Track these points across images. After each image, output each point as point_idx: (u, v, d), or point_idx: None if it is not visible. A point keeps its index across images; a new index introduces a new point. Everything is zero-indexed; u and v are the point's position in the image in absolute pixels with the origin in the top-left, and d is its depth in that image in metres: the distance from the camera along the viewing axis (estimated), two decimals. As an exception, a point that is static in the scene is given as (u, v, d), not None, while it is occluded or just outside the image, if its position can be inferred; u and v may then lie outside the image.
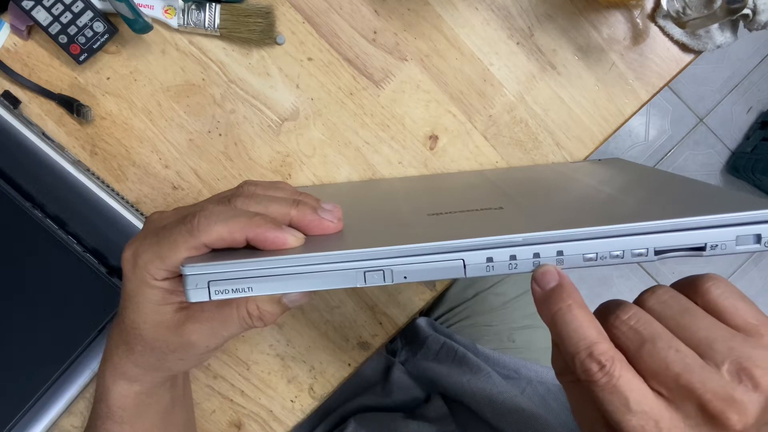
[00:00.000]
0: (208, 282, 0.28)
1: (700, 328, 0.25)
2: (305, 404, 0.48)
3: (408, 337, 0.70)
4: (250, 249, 0.30)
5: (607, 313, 0.27)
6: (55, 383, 0.44)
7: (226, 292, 0.28)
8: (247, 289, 0.28)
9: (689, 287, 0.27)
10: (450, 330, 0.68)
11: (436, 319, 0.72)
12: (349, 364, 0.48)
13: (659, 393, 0.24)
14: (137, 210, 0.46)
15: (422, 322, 0.68)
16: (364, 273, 0.28)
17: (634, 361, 0.25)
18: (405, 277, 0.28)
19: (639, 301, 0.27)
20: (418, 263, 0.28)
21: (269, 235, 0.29)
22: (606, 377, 0.24)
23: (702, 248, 0.28)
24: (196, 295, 0.28)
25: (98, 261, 0.45)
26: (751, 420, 0.23)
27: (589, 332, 0.25)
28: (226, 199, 0.32)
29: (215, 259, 0.28)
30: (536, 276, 0.27)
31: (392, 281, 0.28)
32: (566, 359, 0.25)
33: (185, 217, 0.30)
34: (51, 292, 0.44)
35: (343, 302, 0.48)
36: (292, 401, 0.48)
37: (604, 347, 0.24)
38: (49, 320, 0.44)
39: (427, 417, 0.57)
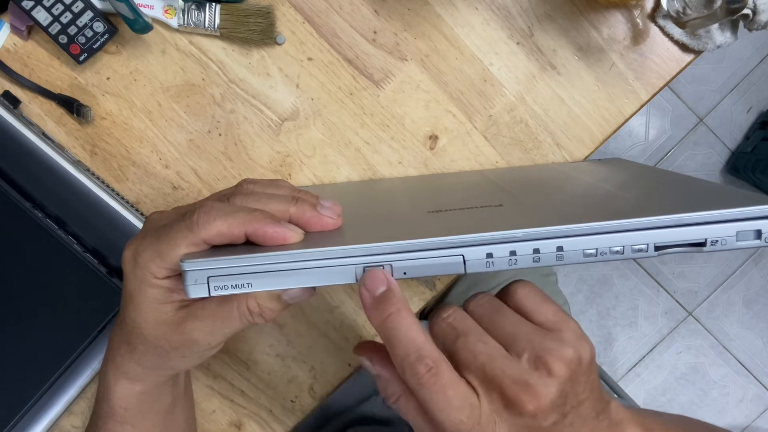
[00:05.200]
0: (208, 278, 0.28)
1: (507, 324, 0.28)
2: (305, 404, 0.48)
3: None
4: (249, 246, 0.30)
5: (433, 315, 0.29)
6: (55, 383, 0.44)
7: (226, 287, 0.28)
8: (246, 285, 0.28)
9: (504, 293, 0.30)
10: None
11: None
12: (350, 364, 0.48)
13: (470, 383, 0.26)
14: (137, 210, 0.46)
15: (423, 326, 0.67)
16: (364, 269, 0.28)
17: (450, 353, 0.27)
18: (405, 273, 0.28)
19: (463, 306, 0.30)
20: (418, 259, 0.28)
21: (268, 230, 0.29)
22: (433, 378, 0.26)
23: (702, 244, 0.28)
24: (196, 290, 0.28)
25: (98, 261, 0.45)
26: (544, 403, 0.25)
27: (418, 336, 0.27)
28: (225, 197, 0.32)
29: (214, 255, 0.28)
30: (365, 280, 0.28)
31: (392, 277, 0.28)
32: (395, 363, 0.27)
33: (184, 214, 0.30)
34: (51, 293, 0.44)
35: (343, 302, 0.48)
36: (292, 401, 0.48)
37: (431, 349, 0.26)
38: (49, 320, 0.44)
39: None
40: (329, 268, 0.28)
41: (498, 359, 0.26)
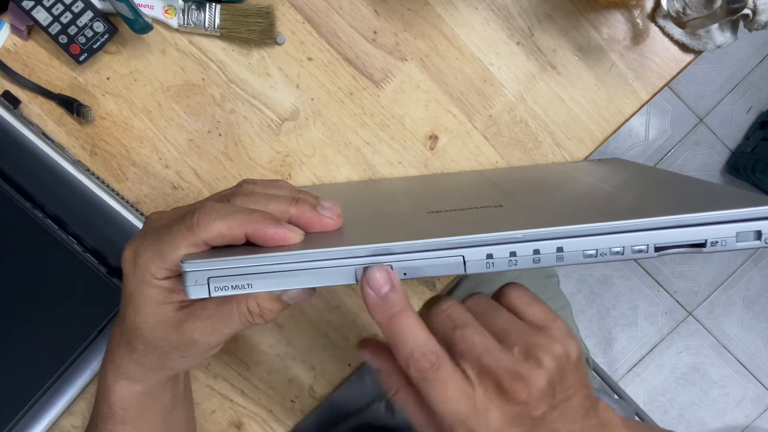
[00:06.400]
0: (208, 278, 0.28)
1: (500, 321, 0.30)
2: (305, 404, 0.48)
3: None
4: (250, 246, 0.30)
5: (430, 306, 0.31)
6: (55, 383, 0.44)
7: (226, 288, 0.28)
8: (246, 286, 0.28)
9: (498, 294, 0.32)
10: None
11: None
12: (349, 364, 0.48)
13: (465, 372, 0.28)
14: (137, 210, 0.46)
15: None
16: (364, 269, 0.28)
17: (447, 343, 0.29)
18: (405, 274, 0.28)
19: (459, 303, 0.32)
20: (418, 260, 0.28)
21: (269, 231, 0.29)
22: (435, 373, 0.27)
23: (702, 245, 0.28)
24: (196, 291, 0.28)
25: (98, 261, 0.45)
26: (534, 392, 0.27)
27: (421, 334, 0.28)
28: (225, 197, 0.32)
29: (215, 256, 0.28)
30: (369, 280, 0.28)
31: (396, 276, 0.28)
32: (400, 359, 0.28)
33: (184, 215, 0.30)
34: (51, 293, 0.44)
35: (343, 302, 0.48)
36: (292, 401, 0.48)
37: (434, 347, 0.28)
38: (49, 320, 0.44)
39: None
40: (330, 268, 0.28)
41: (493, 351, 0.28)
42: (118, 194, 0.46)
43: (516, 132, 0.48)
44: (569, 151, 0.49)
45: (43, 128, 0.46)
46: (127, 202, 0.46)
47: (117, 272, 0.45)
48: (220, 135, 0.47)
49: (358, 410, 0.63)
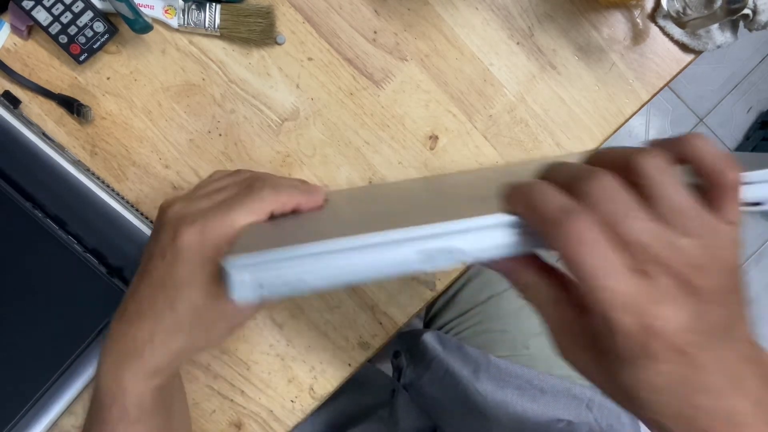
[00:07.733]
0: (254, 277, 0.25)
1: (685, 214, 0.23)
2: (305, 404, 0.48)
3: (413, 352, 0.66)
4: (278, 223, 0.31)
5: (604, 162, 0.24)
6: (55, 383, 0.44)
7: (275, 288, 0.25)
8: (300, 282, 0.25)
9: (685, 149, 0.25)
10: (461, 337, 0.65)
11: (446, 324, 0.70)
12: (349, 364, 0.48)
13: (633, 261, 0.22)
14: (137, 210, 0.46)
15: (429, 338, 0.64)
16: (430, 253, 0.24)
17: (614, 227, 0.23)
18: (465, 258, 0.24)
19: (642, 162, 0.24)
20: (489, 238, 0.24)
21: (312, 198, 0.34)
22: (582, 228, 0.22)
23: (759, 203, 0.26)
24: (242, 291, 0.25)
25: (98, 261, 0.45)
26: (718, 293, 0.23)
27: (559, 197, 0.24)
28: (246, 182, 0.35)
29: (259, 248, 0.26)
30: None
31: (467, 262, 0.24)
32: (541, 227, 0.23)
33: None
34: (51, 293, 0.44)
35: (343, 302, 0.48)
36: (292, 401, 0.48)
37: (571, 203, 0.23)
38: (49, 320, 0.44)
39: None
40: (390, 254, 0.24)
41: (673, 239, 0.22)
42: (118, 194, 0.46)
43: (516, 132, 0.48)
44: (569, 151, 0.49)
45: (43, 128, 0.46)
46: (127, 202, 0.46)
47: (117, 272, 0.45)
48: (220, 135, 0.47)
49: (362, 418, 0.62)
